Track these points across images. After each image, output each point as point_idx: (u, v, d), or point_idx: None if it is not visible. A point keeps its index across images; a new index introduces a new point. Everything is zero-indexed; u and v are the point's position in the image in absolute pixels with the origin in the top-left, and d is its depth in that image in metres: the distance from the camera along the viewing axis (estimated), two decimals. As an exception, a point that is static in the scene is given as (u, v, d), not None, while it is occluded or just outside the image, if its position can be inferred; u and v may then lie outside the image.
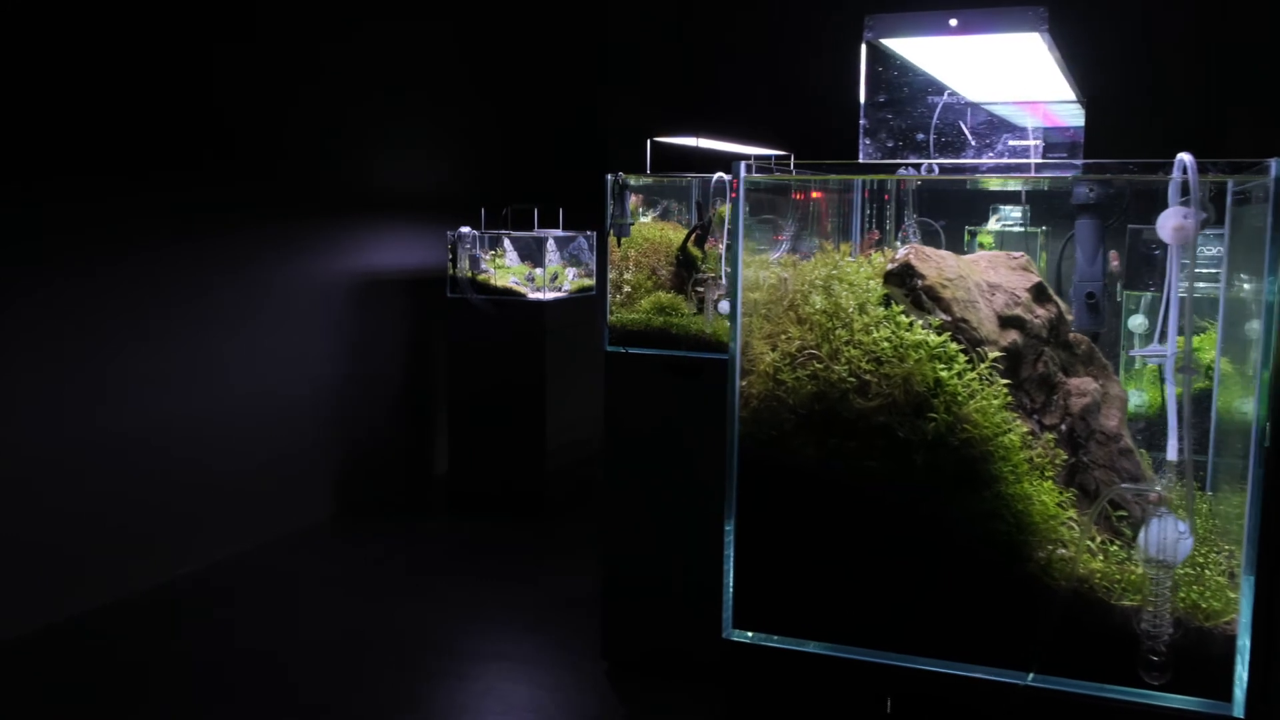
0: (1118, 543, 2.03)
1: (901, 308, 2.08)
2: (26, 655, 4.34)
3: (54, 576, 4.59)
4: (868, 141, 2.25)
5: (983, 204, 2.81)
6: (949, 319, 2.05)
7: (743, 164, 2.03)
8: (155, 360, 5.00)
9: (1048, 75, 2.27)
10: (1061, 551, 1.96)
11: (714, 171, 4.46)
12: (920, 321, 2.05)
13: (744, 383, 2.15)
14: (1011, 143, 2.61)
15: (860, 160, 2.28)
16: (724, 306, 4.51)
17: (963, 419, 1.98)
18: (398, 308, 6.49)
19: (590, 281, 6.41)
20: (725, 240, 4.51)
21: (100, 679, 4.19)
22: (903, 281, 2.09)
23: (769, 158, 5.32)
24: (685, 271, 4.69)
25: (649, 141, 4.81)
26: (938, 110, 2.23)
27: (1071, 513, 2.01)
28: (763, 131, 5.51)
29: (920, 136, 2.28)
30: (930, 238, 2.55)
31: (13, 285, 4.42)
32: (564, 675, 4.34)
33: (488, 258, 6.14)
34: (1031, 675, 1.96)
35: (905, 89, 2.22)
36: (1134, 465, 2.16)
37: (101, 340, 4.77)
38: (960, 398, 1.99)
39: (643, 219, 4.84)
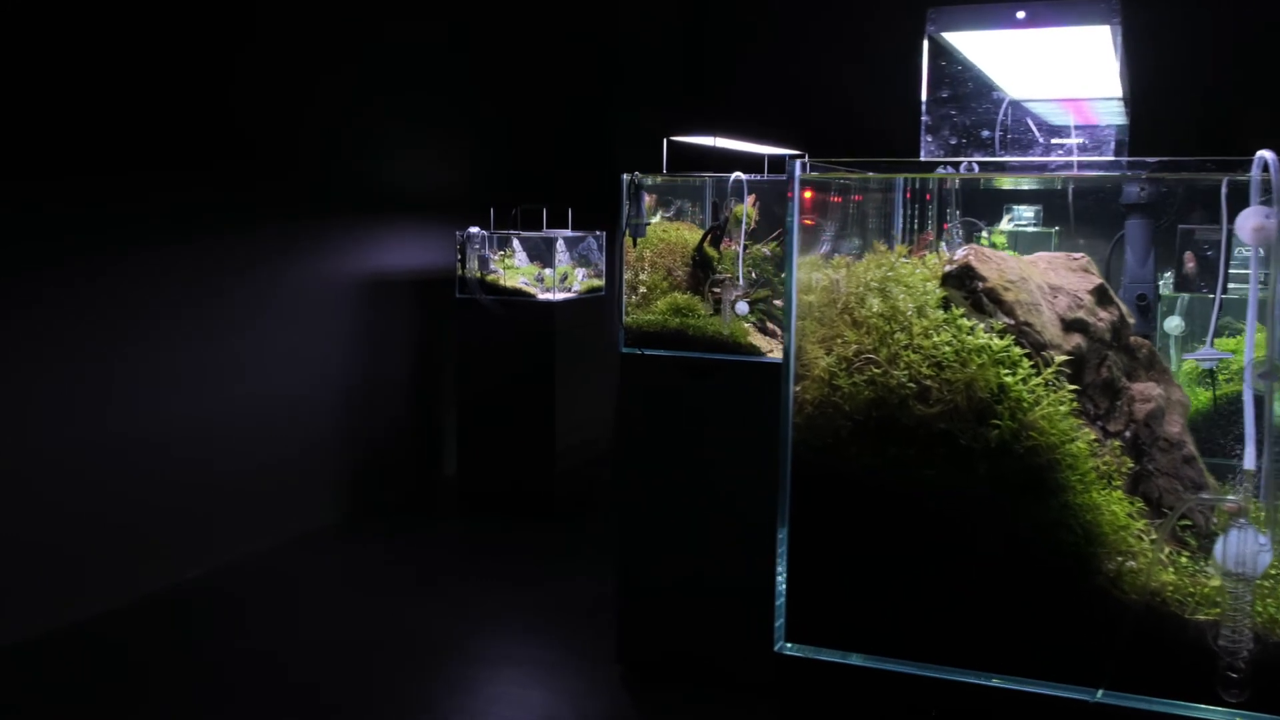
0: (1186, 554, 1.94)
1: (961, 311, 1.99)
2: (31, 659, 4.23)
3: (60, 579, 4.48)
4: (929, 139, 2.15)
5: (1027, 202, 2.72)
6: (1012, 322, 1.95)
7: (798, 162, 1.93)
8: (163, 361, 4.89)
9: (1105, 71, 2.18)
10: (1131, 563, 1.87)
11: (727, 171, 4.36)
12: (982, 325, 1.96)
13: (797, 388, 2.05)
14: (1054, 141, 2.51)
15: (922, 158, 2.18)
16: (741, 308, 4.41)
17: (1028, 426, 1.89)
18: (406, 308, 6.38)
19: (599, 282, 6.31)
20: (743, 240, 4.42)
21: (107, 683, 4.08)
22: (962, 283, 1.99)
23: (783, 157, 5.24)
24: (701, 272, 4.59)
25: (665, 141, 4.71)
26: (1004, 107, 2.14)
27: (1142, 523, 1.91)
28: (774, 130, 5.42)
29: (986, 134, 2.18)
30: (975, 238, 2.45)
31: (22, 286, 4.31)
32: (578, 679, 4.24)
33: (497, 258, 6.03)
34: (1101, 692, 1.87)
35: (969, 84, 2.13)
36: (1197, 473, 2.08)
37: (109, 341, 4.66)
38: (1025, 404, 1.90)
39: (653, 220, 4.74)
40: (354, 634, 4.57)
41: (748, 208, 4.47)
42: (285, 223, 5.51)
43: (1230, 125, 5.58)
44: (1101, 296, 2.11)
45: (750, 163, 4.90)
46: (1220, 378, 2.51)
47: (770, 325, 4.51)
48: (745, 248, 4.42)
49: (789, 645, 2.07)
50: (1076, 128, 2.55)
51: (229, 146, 5.18)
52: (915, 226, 2.46)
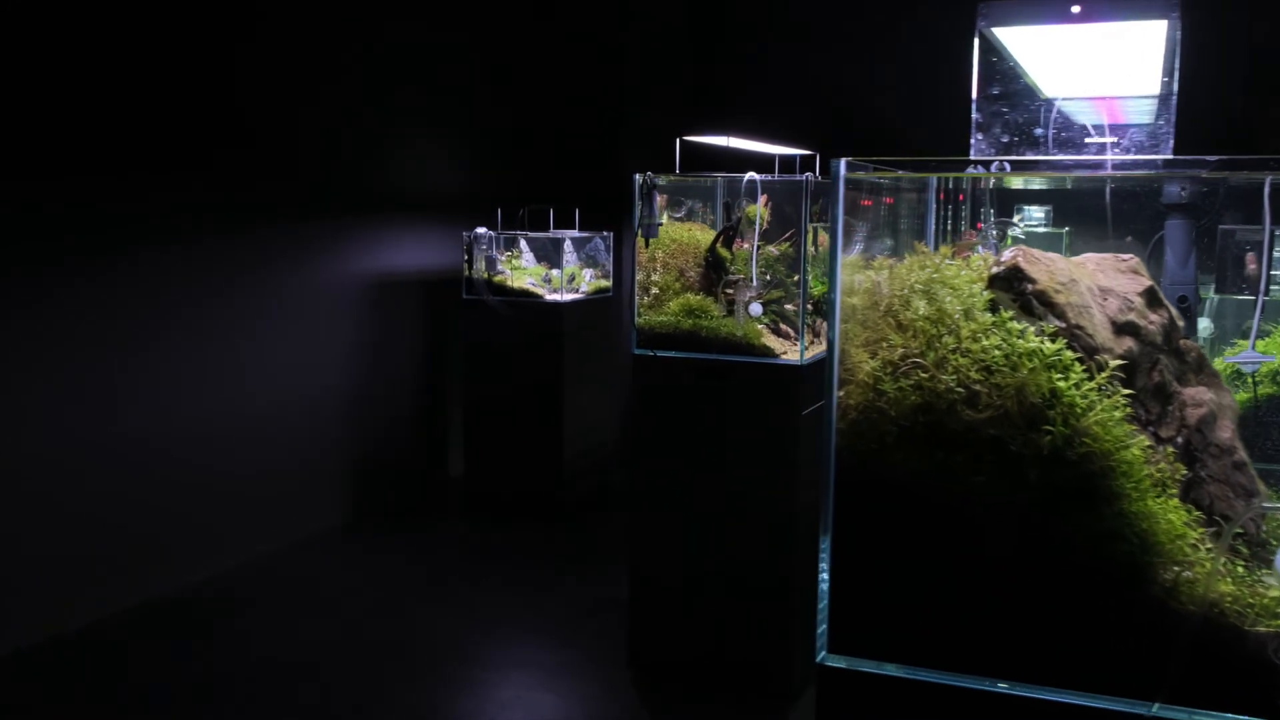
0: (1241, 563, 1.88)
1: (1010, 314, 1.92)
2: (36, 663, 4.15)
3: (63, 583, 4.39)
4: (979, 137, 2.08)
5: (1072, 202, 2.65)
6: (1063, 326, 1.89)
7: (843, 161, 1.87)
8: (167, 363, 4.81)
9: (1149, 68, 2.12)
10: (1188, 574, 1.81)
11: (736, 171, 4.30)
12: (1032, 328, 1.89)
13: (841, 393, 1.98)
14: (1089, 139, 2.45)
15: (971, 157, 2.11)
16: (755, 309, 4.35)
17: (1081, 432, 1.82)
18: (413, 309, 6.30)
19: (607, 283, 6.23)
20: (756, 241, 4.35)
21: (112, 688, 4.00)
22: (1010, 285, 1.93)
23: (794, 158, 5.17)
24: (714, 273, 4.52)
25: (677, 140, 4.64)
26: (1055, 104, 2.07)
27: (1199, 532, 1.85)
28: (785, 130, 5.35)
29: (1039, 131, 2.11)
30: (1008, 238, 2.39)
31: (25, 287, 4.23)
32: (589, 683, 4.17)
33: (504, 259, 5.95)
34: (1157, 705, 1.81)
35: (1021, 80, 2.07)
36: (1249, 480, 2.01)
37: (113, 342, 4.58)
38: (1078, 409, 1.84)
39: (662, 220, 4.66)
40: (362, 637, 4.49)
41: (752, 208, 4.41)
42: (291, 223, 5.43)
43: (1249, 123, 5.53)
44: (1151, 299, 2.05)
45: (760, 163, 4.84)
46: (1249, 379, 2.45)
47: (783, 327, 4.45)
48: (758, 249, 4.36)
49: (831, 656, 2.01)
50: (1112, 127, 2.48)
51: (233, 147, 5.10)
52: (950, 227, 2.40)
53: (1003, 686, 1.88)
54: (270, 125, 5.29)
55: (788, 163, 5.05)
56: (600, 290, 6.15)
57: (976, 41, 1.97)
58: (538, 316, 5.83)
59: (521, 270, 5.94)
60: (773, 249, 4.43)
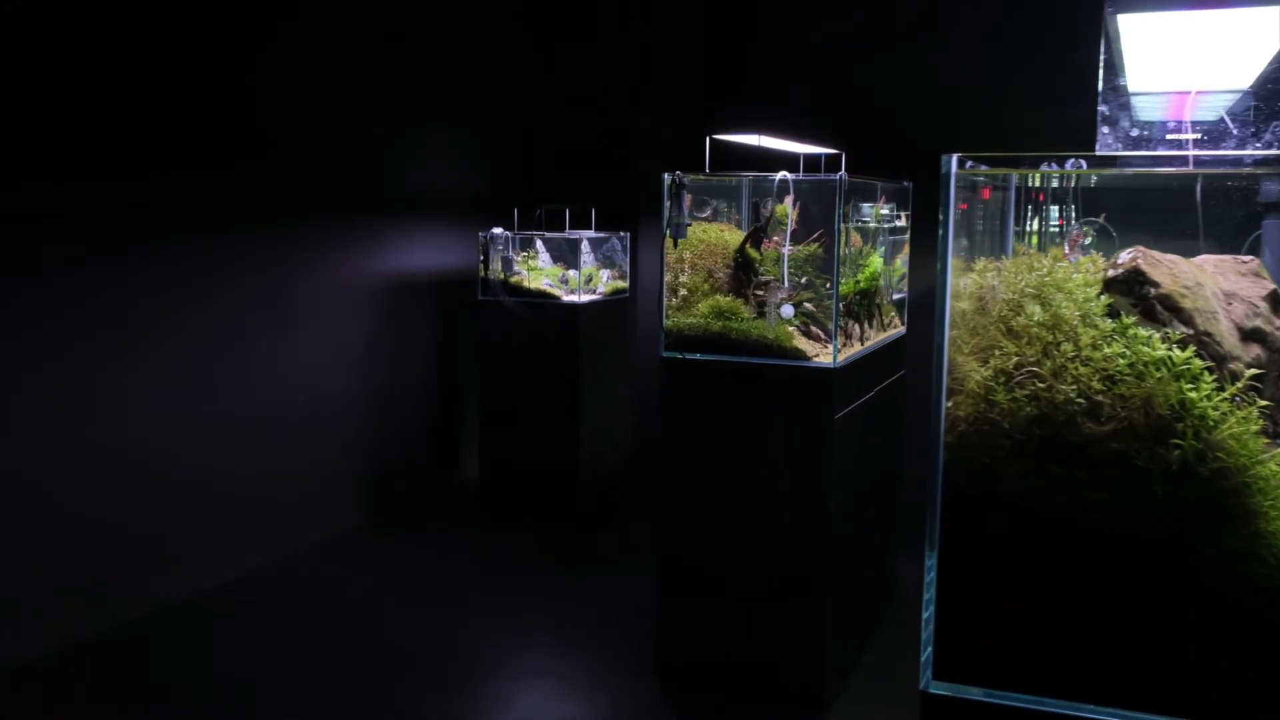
0: (1377, 584, 1.74)
1: (1133, 319, 1.77)
2: (49, 671, 3.97)
3: (75, 589, 4.22)
4: (1105, 130, 1.94)
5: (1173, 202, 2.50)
6: (1190, 332, 1.74)
7: (954, 157, 1.71)
8: (181, 366, 4.63)
9: (1257, 58, 1.97)
10: (1330, 596, 1.67)
11: (761, 170, 4.16)
12: (1158, 335, 1.75)
13: (949, 404, 1.83)
14: (1170, 136, 2.30)
15: (1098, 152, 1.96)
16: (786, 310, 4.20)
17: (1214, 446, 1.68)
18: (428, 310, 6.12)
19: (624, 284, 6.07)
20: (788, 242, 4.21)
21: (129, 696, 3.82)
22: (1130, 289, 1.78)
23: (819, 156, 5.03)
24: (744, 274, 4.37)
25: (708, 140, 4.48)
26: (1191, 97, 1.92)
27: (1341, 552, 1.71)
28: (805, 128, 5.21)
29: (1172, 124, 1.96)
30: (1104, 240, 2.24)
31: (39, 289, 4.06)
32: (615, 691, 4.01)
33: (520, 259, 5.78)
34: (1297, 737, 1.67)
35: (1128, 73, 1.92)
36: (1373, 494, 1.87)
37: (127, 345, 4.40)
38: (1210, 422, 1.69)
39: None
40: (378, 644, 4.31)
41: (783, 208, 4.26)
42: (306, 224, 5.25)
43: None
44: (1276, 303, 1.91)
45: (785, 162, 4.69)
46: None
47: (814, 329, 4.31)
48: (786, 249, 4.22)
49: (936, 684, 1.86)
50: (1194, 123, 2.34)
51: (247, 148, 4.92)
52: (1040, 228, 2.24)
53: (1127, 717, 1.73)
54: (286, 127, 5.11)
55: (812, 162, 4.90)
56: (617, 291, 5.99)
57: (1105, 30, 1.82)
58: (554, 318, 5.66)
59: (538, 271, 5.77)
60: (798, 248, 4.28)
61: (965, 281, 1.88)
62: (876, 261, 4.56)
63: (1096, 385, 1.72)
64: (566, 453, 5.72)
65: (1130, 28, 1.79)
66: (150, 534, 4.51)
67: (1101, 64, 1.86)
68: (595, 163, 6.67)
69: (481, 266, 5.75)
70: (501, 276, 5.72)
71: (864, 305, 4.51)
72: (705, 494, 3.99)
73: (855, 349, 4.22)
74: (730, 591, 3.91)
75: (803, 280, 4.24)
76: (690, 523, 4.01)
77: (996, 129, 5.92)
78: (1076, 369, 1.74)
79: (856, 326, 4.39)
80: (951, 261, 1.78)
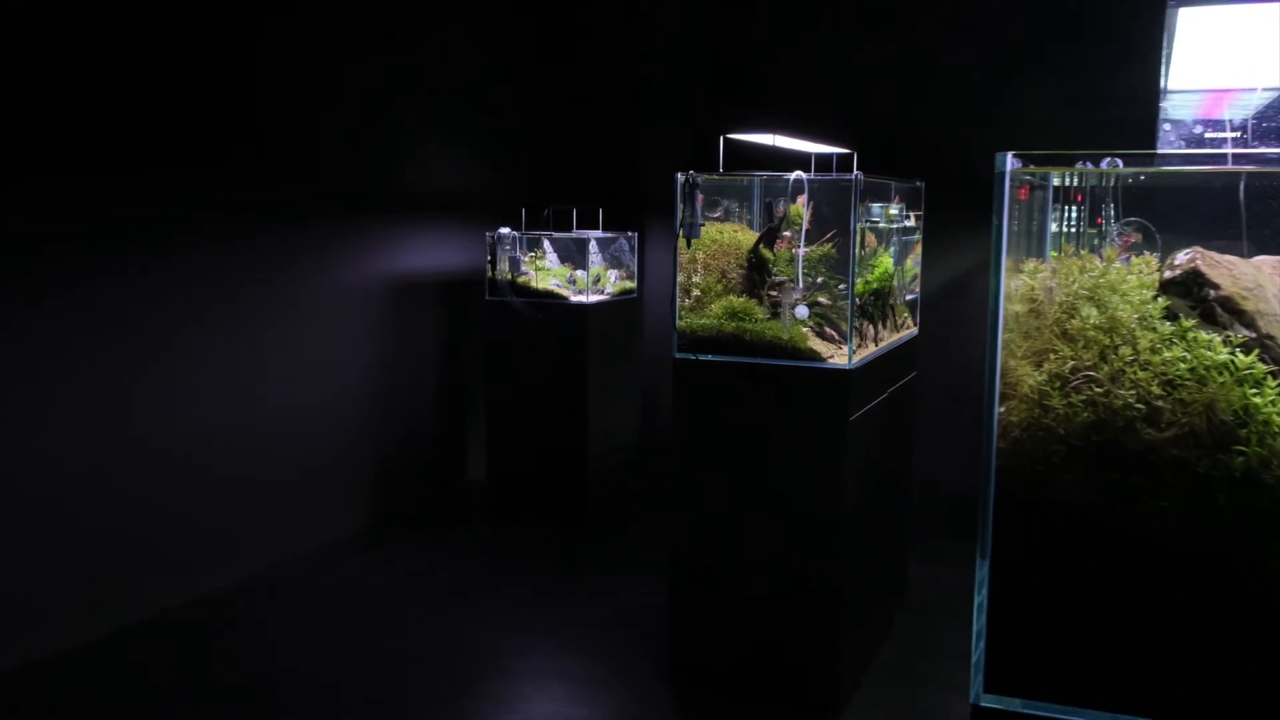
0: None
1: (1192, 322, 1.72)
2: (52, 675, 3.89)
3: (80, 593, 4.13)
4: (1167, 127, 1.88)
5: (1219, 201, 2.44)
6: (1253, 335, 1.69)
7: (1009, 155, 1.65)
8: (184, 368, 4.54)
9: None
10: (1399, 607, 1.61)
11: (768, 169, 4.10)
12: (1219, 338, 1.69)
13: (1001, 409, 1.77)
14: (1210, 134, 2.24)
15: (1158, 150, 1.90)
16: (801, 311, 4.14)
17: (1279, 453, 1.63)
18: (435, 311, 6.03)
19: (632, 284, 5.99)
20: (802, 242, 4.15)
21: (132, 701, 3.74)
22: (1189, 291, 1.73)
23: (830, 156, 4.97)
24: (758, 275, 4.31)
25: (721, 139, 4.42)
26: (1257, 93, 1.86)
27: None
28: (811, 128, 5.14)
29: (1237, 121, 1.90)
30: (1146, 240, 2.18)
31: (42, 289, 3.97)
32: (625, 696, 3.93)
33: (527, 259, 5.70)
34: (1366, 752, 1.61)
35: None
36: None
37: (129, 347, 4.31)
38: (1275, 427, 1.63)
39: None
40: (385, 648, 4.23)
41: (800, 208, 4.20)
42: (311, 225, 5.16)
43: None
44: (1336, 306, 1.85)
45: (796, 162, 4.63)
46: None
47: (828, 330, 4.25)
48: (800, 249, 4.16)
49: (988, 697, 1.80)
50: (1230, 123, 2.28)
51: (253, 148, 4.83)
52: (1076, 229, 2.18)
53: (1187, 730, 1.68)
54: (291, 128, 5.02)
55: (822, 162, 4.84)
56: (625, 291, 5.91)
57: (1168, 25, 1.76)
58: (563, 318, 5.58)
59: (546, 271, 5.70)
60: (811, 249, 4.22)
61: (1016, 283, 1.82)
62: (886, 261, 4.51)
63: (1156, 390, 1.66)
64: (574, 453, 5.65)
65: (1189, 23, 1.73)
66: (154, 537, 4.43)
67: (1165, 60, 1.80)
68: (603, 163, 6.60)
69: (489, 267, 5.67)
70: (509, 277, 5.65)
71: (878, 306, 4.46)
72: (717, 496, 3.92)
73: (870, 350, 4.17)
74: (743, 592, 3.85)
75: (818, 280, 4.18)
76: (702, 524, 3.94)
77: (1003, 129, 5.86)
78: (1135, 373, 1.68)
79: (871, 327, 4.34)
80: (1005, 263, 1.72)
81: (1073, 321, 1.72)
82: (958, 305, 5.96)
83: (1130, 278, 1.79)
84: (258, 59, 4.85)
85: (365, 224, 5.49)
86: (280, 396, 5.03)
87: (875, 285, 4.44)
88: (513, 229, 5.67)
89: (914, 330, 4.75)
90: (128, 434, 4.30)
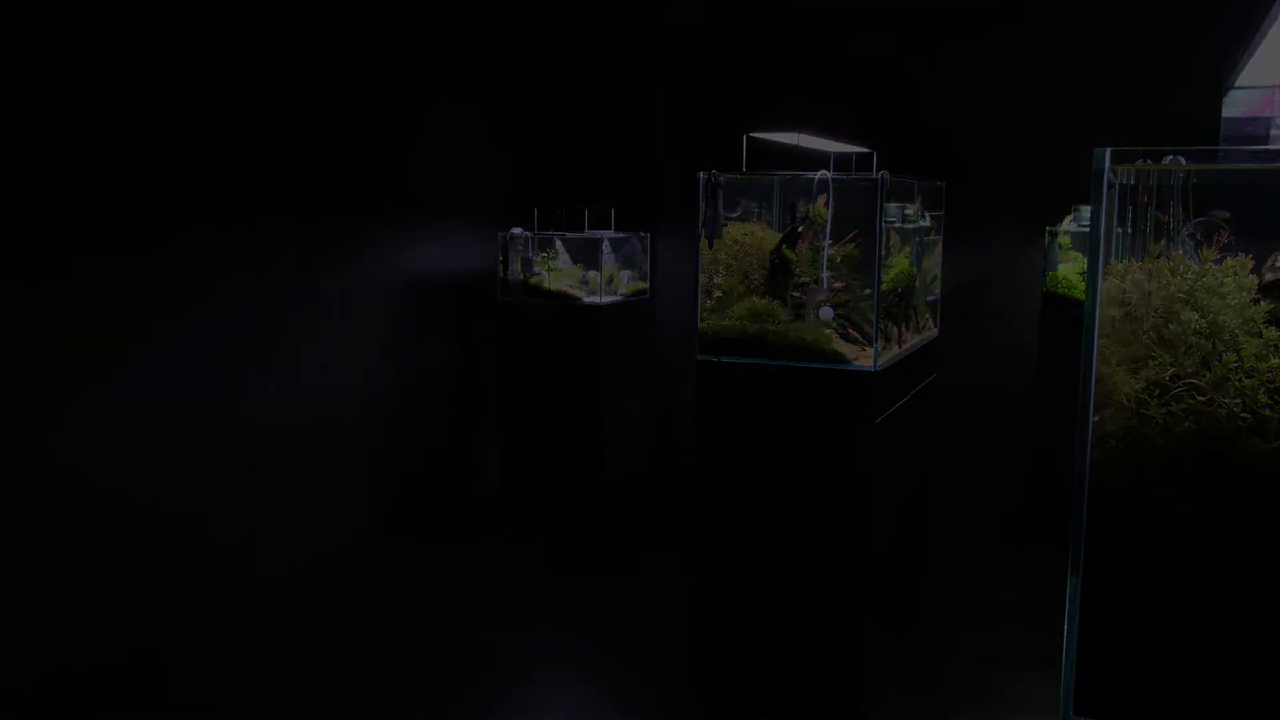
0: None
1: (1300, 327, 1.61)
2: (65, 682, 3.78)
3: (83, 600, 4.03)
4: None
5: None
6: (1364, 342, 1.58)
7: (1107, 151, 1.54)
8: (201, 368, 4.41)
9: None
10: None
11: (788, 169, 4.00)
12: (1329, 344, 1.58)
13: (1096, 418, 1.66)
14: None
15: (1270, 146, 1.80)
16: (826, 313, 4.03)
17: (1395, 465, 1.52)
18: (446, 312, 5.89)
19: (644, 284, 5.87)
20: (827, 242, 4.04)
21: (141, 705, 3.64)
22: (1293, 295, 1.62)
23: (850, 155, 4.87)
24: (781, 275, 4.20)
25: (745, 138, 4.31)
26: None
27: None
28: (831, 127, 5.03)
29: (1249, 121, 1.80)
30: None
31: (54, 288, 3.86)
32: (647, 705, 3.83)
33: (539, 260, 5.58)
34: None
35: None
36: None
37: (147, 346, 4.20)
38: (1391, 439, 1.53)
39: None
40: (401, 653, 4.11)
41: (822, 208, 4.09)
42: (324, 227, 5.03)
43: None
44: None
45: (817, 161, 4.52)
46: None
47: (851, 332, 4.14)
48: (825, 249, 4.05)
49: (1078, 719, 1.69)
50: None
51: (264, 150, 4.71)
52: (1147, 229, 2.08)
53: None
54: (304, 129, 4.89)
55: (841, 161, 4.73)
56: (638, 292, 5.79)
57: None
58: (576, 319, 5.46)
59: (558, 272, 5.57)
60: (835, 249, 4.12)
61: (1107, 286, 1.70)
62: (902, 263, 4.41)
63: (1263, 398, 1.55)
64: (588, 457, 5.53)
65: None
66: (166, 538, 4.32)
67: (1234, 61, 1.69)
68: (615, 163, 6.48)
69: (501, 267, 5.54)
70: (521, 278, 5.52)
71: (901, 307, 4.36)
72: (739, 499, 3.81)
73: (894, 352, 4.07)
74: (764, 598, 3.75)
75: (843, 283, 4.07)
76: (724, 528, 3.84)
77: (1010, 129, 5.75)
78: (1240, 381, 1.57)
79: (895, 329, 4.23)
80: (1102, 265, 1.60)
81: (1171, 326, 1.61)
82: (979, 306, 5.89)
83: (1227, 280, 1.68)
84: (275, 61, 4.74)
85: (378, 226, 5.37)
86: (291, 400, 4.91)
87: (888, 286, 4.34)
88: (525, 229, 5.55)
89: (935, 331, 4.65)
90: (143, 435, 4.19)
